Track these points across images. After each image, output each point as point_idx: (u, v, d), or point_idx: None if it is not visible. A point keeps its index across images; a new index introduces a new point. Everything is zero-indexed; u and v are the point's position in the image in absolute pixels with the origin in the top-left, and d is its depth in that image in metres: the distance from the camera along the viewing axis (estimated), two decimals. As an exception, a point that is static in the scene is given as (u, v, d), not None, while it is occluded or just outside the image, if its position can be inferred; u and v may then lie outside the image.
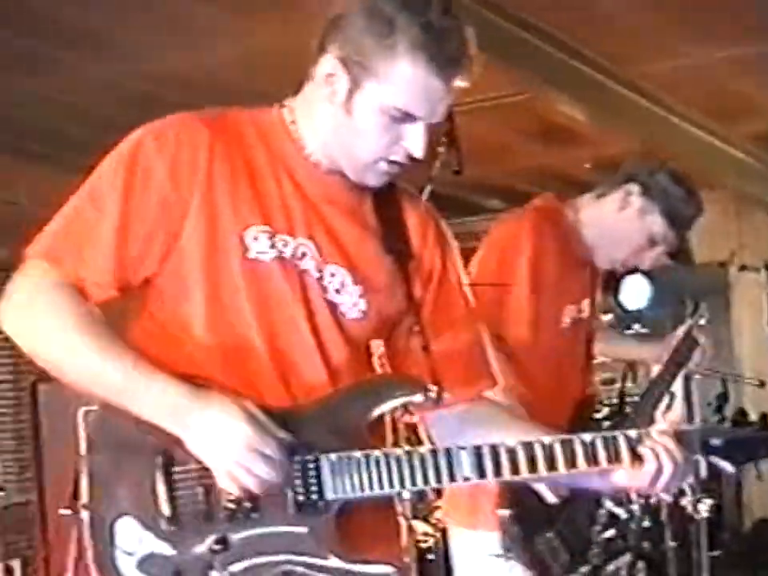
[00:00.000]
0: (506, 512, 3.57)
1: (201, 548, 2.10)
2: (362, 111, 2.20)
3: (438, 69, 2.15)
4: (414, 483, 2.15)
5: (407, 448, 2.17)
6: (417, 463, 2.15)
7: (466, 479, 2.16)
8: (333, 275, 2.26)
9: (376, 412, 2.19)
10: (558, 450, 2.20)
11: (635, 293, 9.07)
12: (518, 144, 8.18)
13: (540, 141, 8.13)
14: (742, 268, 9.55)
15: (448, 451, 2.16)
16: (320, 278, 2.26)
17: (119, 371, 2.09)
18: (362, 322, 2.31)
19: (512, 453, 2.18)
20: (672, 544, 6.07)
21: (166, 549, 2.10)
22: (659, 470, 2.21)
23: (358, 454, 2.14)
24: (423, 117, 2.21)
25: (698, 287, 10.34)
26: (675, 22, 5.98)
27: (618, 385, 7.34)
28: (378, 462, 2.14)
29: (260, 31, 5.42)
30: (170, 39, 5.77)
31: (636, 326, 8.24)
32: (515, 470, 2.18)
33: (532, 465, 2.18)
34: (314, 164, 2.30)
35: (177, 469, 2.11)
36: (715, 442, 2.26)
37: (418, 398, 2.20)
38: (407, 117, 2.19)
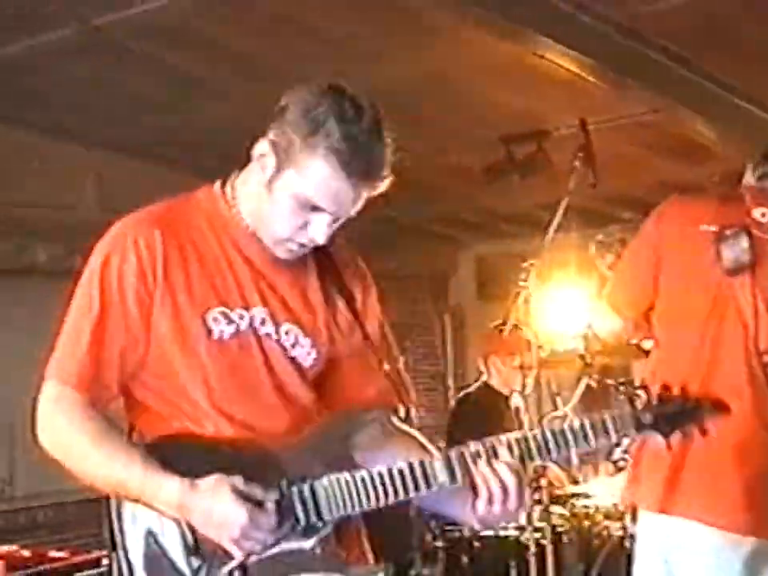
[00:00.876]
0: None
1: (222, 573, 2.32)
2: (280, 194, 2.37)
3: (347, 175, 2.30)
4: (396, 495, 2.32)
5: (388, 466, 2.33)
6: (397, 478, 2.31)
7: (442, 484, 2.32)
8: (287, 333, 2.47)
9: (352, 440, 2.42)
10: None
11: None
12: (651, 159, 8.14)
13: (671, 156, 8.09)
14: None
15: (422, 464, 2.32)
16: (278, 339, 2.46)
17: (134, 480, 2.29)
18: (315, 367, 2.53)
19: (474, 456, 2.33)
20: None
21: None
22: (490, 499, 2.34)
23: (346, 475, 2.33)
24: (330, 211, 2.36)
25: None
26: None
27: None
28: (363, 481, 2.32)
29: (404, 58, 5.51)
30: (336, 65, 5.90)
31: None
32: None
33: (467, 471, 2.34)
34: (254, 235, 2.48)
35: None
36: (647, 418, 2.38)
37: (390, 420, 2.49)
38: (315, 208, 2.36)
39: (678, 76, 6.23)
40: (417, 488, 2.32)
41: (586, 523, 5.63)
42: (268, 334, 2.45)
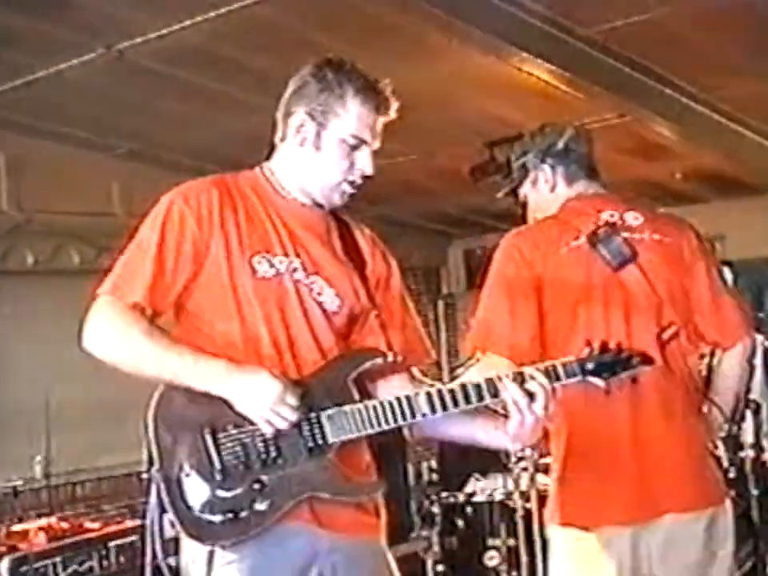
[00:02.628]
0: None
1: (244, 488, 2.43)
2: (329, 145, 2.62)
3: (375, 106, 2.62)
4: (387, 422, 2.49)
5: (379, 399, 2.53)
6: (387, 409, 2.50)
7: (424, 415, 2.51)
8: (314, 282, 2.63)
9: (353, 374, 2.54)
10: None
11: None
12: (619, 159, 8.12)
13: (636, 156, 8.07)
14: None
15: (408, 397, 2.51)
16: (308, 284, 2.62)
17: (179, 359, 2.45)
18: (339, 313, 2.66)
19: (451, 392, 2.52)
20: (755, 492, 5.98)
21: (220, 492, 2.43)
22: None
23: (347, 407, 2.49)
24: (369, 141, 2.63)
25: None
26: (751, 53, 5.91)
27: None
28: (360, 411, 2.49)
29: (405, 74, 5.48)
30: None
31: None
32: (454, 404, 2.52)
33: (454, 402, 2.53)
34: (292, 201, 2.69)
35: (220, 435, 2.44)
36: (589, 366, 2.58)
37: (380, 360, 2.59)
38: (359, 144, 2.62)
39: (642, 84, 6.24)
40: (404, 417, 2.50)
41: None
42: (299, 280, 2.61)
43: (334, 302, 2.64)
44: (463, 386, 2.53)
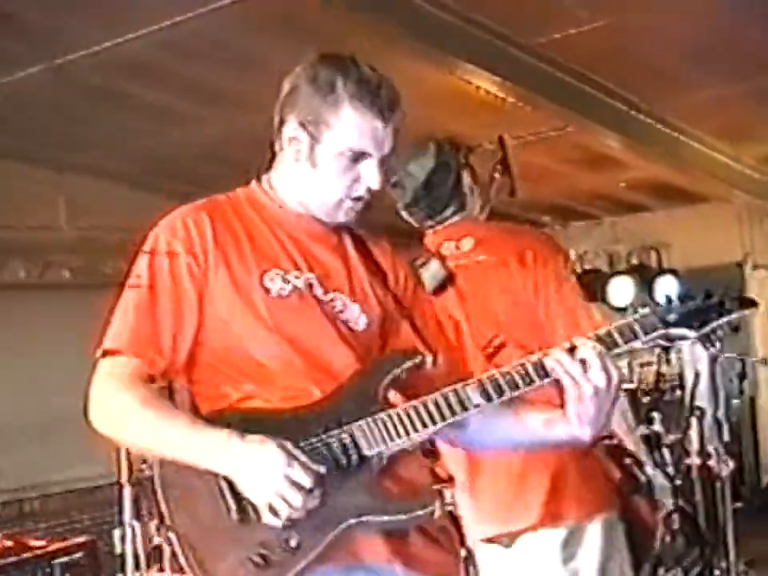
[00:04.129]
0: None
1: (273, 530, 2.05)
2: (324, 160, 2.24)
3: (376, 112, 2.20)
4: (433, 422, 2.14)
5: (420, 399, 2.15)
6: (432, 406, 2.14)
7: (476, 406, 2.15)
8: (333, 300, 2.28)
9: (387, 380, 2.18)
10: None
11: (666, 291, 9.04)
12: (564, 169, 8.17)
13: (581, 166, 8.12)
14: (755, 267, 9.48)
15: (455, 390, 2.15)
16: (328, 301, 2.28)
17: (172, 430, 2.11)
18: (368, 331, 2.32)
19: (506, 375, 2.16)
20: (701, 498, 6.02)
21: (243, 537, 2.08)
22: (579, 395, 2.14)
23: (381, 414, 2.14)
24: (372, 152, 2.23)
25: (718, 283, 10.31)
26: (694, 64, 5.97)
27: (654, 367, 7.32)
28: (399, 416, 2.14)
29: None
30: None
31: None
32: (513, 387, 2.15)
33: (512, 384, 2.15)
34: (296, 215, 2.33)
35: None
36: (672, 317, 2.22)
37: (417, 361, 2.22)
38: (360, 156, 2.23)
39: (587, 95, 6.26)
40: (453, 413, 2.13)
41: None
42: (318, 296, 2.27)
43: (360, 320, 2.31)
44: (521, 365, 2.16)
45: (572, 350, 2.14)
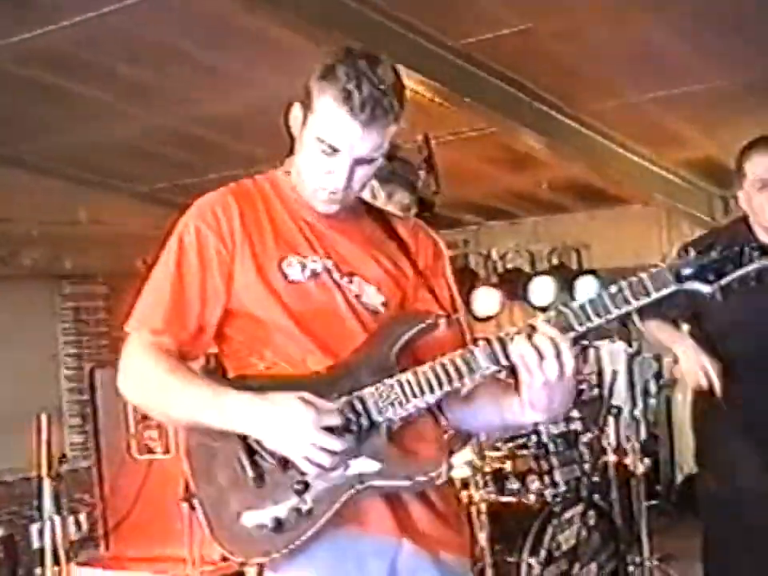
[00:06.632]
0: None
1: (284, 491, 2.14)
2: (307, 141, 2.26)
3: (350, 111, 2.17)
4: (441, 387, 2.14)
5: (430, 363, 2.15)
6: (440, 370, 2.14)
7: (486, 368, 2.12)
8: (351, 282, 2.32)
9: (400, 342, 2.20)
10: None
11: (586, 292, 9.16)
12: (488, 169, 8.22)
13: (505, 166, 8.18)
14: (672, 269, 9.60)
15: (462, 353, 2.14)
16: (346, 285, 2.32)
17: (198, 393, 2.17)
18: (387, 312, 2.34)
19: (500, 341, 2.12)
20: (616, 495, 6.10)
21: (257, 500, 2.16)
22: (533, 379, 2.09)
23: (391, 379, 2.15)
24: (342, 150, 2.22)
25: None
26: (615, 69, 6.04)
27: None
28: (408, 381, 2.15)
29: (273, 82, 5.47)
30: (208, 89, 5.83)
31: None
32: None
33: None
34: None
35: (252, 441, 2.16)
36: (687, 271, 2.05)
37: (430, 322, 2.22)
38: (332, 151, 2.22)
39: (510, 96, 6.33)
40: (461, 375, 2.13)
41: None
42: (337, 281, 2.31)
43: (377, 300, 2.33)
44: (530, 325, 2.09)
45: (530, 335, 2.08)
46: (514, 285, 9.25)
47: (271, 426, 2.09)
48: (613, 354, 8.03)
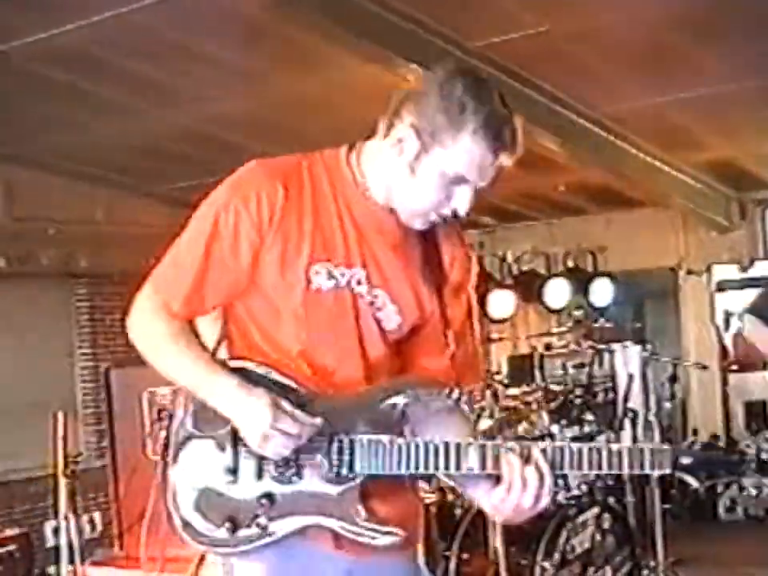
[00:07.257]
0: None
1: (250, 497, 2.25)
2: (425, 172, 2.23)
3: (494, 147, 2.20)
4: (426, 468, 2.20)
5: (427, 439, 2.22)
6: (431, 453, 2.20)
7: (470, 469, 2.19)
8: (376, 296, 2.34)
9: (404, 403, 2.25)
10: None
11: (601, 294, 9.14)
12: (505, 171, 8.19)
13: (522, 168, 8.13)
14: (689, 272, 9.59)
15: (458, 445, 2.20)
16: (369, 300, 2.34)
17: (193, 368, 2.30)
18: (397, 332, 2.40)
19: (508, 451, 2.20)
20: (631, 499, 6.09)
21: (226, 494, 2.27)
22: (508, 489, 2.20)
23: (385, 439, 2.22)
24: (473, 181, 2.24)
25: (652, 288, 10.41)
26: (632, 71, 6.02)
27: (587, 369, 7.38)
28: (399, 448, 2.21)
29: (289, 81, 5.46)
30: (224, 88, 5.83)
31: (602, 320, 8.22)
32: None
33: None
34: (370, 200, 2.33)
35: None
36: (685, 460, 2.20)
37: (442, 395, 2.29)
38: (460, 180, 2.23)
39: (527, 97, 6.29)
40: (447, 467, 2.20)
41: (450, 497, 5.62)
42: (361, 294, 2.33)
43: (392, 320, 2.37)
44: (527, 448, 2.20)
45: (526, 458, 2.18)
46: (529, 287, 9.22)
47: (240, 415, 2.23)
48: (627, 357, 7.99)
